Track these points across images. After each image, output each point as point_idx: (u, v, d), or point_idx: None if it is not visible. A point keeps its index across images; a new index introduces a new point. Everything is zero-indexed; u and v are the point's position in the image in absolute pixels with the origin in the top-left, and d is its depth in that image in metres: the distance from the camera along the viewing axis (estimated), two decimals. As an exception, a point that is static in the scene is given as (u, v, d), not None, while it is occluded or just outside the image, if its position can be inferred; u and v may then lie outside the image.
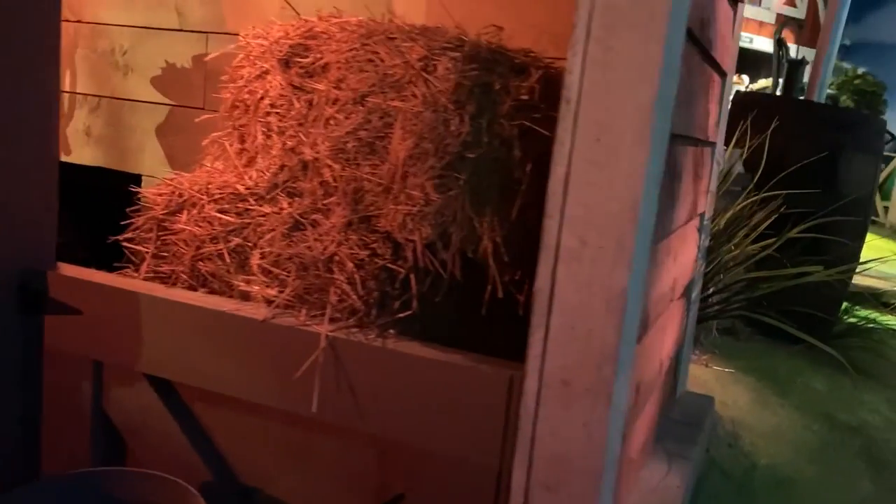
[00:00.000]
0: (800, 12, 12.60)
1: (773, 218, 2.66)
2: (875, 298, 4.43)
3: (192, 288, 1.52)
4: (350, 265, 1.36)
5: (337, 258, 1.38)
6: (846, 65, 19.08)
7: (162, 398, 1.46)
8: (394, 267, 1.34)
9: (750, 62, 12.19)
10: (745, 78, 12.37)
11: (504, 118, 1.27)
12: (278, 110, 1.49)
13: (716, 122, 1.94)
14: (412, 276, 1.34)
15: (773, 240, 2.58)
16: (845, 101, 18.42)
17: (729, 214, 2.60)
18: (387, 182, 1.28)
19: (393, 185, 1.29)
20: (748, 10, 11.41)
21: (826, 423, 2.45)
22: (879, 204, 11.68)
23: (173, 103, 2.22)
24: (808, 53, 12.58)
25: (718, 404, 2.33)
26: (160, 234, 1.52)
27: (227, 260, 1.49)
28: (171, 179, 1.61)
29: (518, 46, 1.43)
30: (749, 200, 2.91)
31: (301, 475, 1.43)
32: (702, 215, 2.01)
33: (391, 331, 1.33)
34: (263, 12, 1.93)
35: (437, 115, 1.23)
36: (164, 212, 1.53)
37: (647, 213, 1.13)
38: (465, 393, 1.24)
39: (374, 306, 1.37)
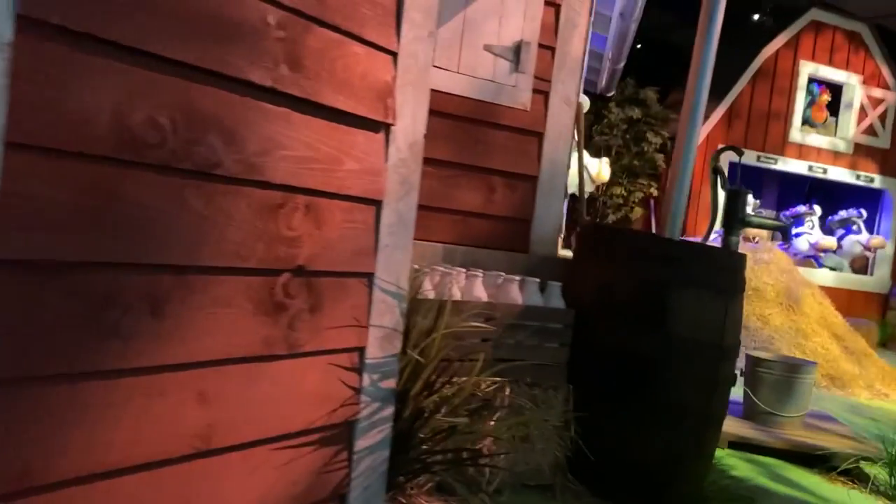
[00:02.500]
0: (882, 141, 11.96)
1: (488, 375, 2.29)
2: (820, 462, 3.71)
3: None
4: None
5: None
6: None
7: None
8: None
9: (827, 191, 11.57)
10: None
11: None
12: None
13: (362, 252, 1.78)
14: None
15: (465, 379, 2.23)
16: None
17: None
18: None
19: None
20: (819, 140, 10.88)
21: None
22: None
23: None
24: (892, 184, 11.74)
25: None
26: None
27: None
28: None
29: None
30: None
31: None
32: (360, 351, 1.82)
33: None
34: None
35: None
36: None
37: None
38: None
39: None
